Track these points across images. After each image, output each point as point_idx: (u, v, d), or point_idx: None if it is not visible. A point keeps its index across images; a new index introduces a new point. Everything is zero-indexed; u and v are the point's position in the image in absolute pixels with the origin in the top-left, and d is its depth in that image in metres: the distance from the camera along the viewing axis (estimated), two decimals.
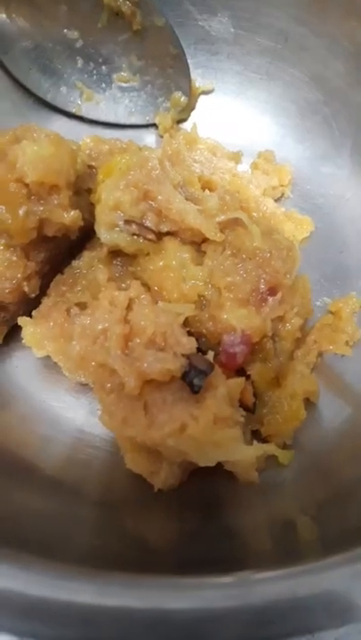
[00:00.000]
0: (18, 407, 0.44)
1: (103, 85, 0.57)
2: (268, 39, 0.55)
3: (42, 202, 0.40)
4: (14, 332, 0.47)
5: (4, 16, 0.49)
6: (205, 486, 0.41)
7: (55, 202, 0.40)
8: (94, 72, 0.56)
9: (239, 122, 0.59)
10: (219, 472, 0.39)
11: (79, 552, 0.32)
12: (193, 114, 0.60)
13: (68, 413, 0.45)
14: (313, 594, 0.24)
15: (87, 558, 0.31)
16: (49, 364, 0.46)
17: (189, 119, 0.60)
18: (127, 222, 0.43)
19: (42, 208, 0.40)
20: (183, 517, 0.39)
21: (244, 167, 0.57)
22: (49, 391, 0.46)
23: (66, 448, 0.44)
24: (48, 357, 0.44)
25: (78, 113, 0.57)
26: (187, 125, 0.60)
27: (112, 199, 0.42)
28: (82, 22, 0.53)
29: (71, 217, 0.41)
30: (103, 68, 0.56)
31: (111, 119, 0.58)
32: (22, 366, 0.46)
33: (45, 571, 0.21)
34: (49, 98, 0.56)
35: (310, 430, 0.44)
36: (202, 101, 0.60)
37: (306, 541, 0.36)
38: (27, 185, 0.40)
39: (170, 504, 0.39)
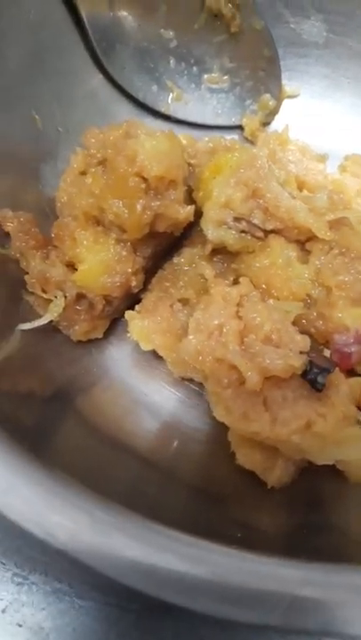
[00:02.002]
0: (119, 396, 0.45)
1: (193, 86, 0.57)
2: (360, 43, 0.56)
3: (159, 197, 0.41)
4: (110, 325, 0.48)
5: (111, 15, 0.50)
6: (312, 483, 0.40)
7: (172, 197, 0.41)
8: (185, 72, 0.57)
9: (325, 125, 0.59)
10: (325, 470, 0.39)
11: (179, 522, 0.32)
12: (277, 116, 0.60)
13: (165, 404, 0.46)
14: None
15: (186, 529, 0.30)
16: (146, 357, 0.46)
17: (273, 121, 0.61)
18: (236, 220, 0.43)
19: (158, 203, 0.40)
20: (291, 513, 0.39)
21: (328, 170, 0.57)
22: (147, 383, 0.46)
23: (160, 435, 0.44)
24: (141, 350, 0.44)
25: (167, 112, 0.57)
26: (271, 128, 0.60)
27: (224, 196, 0.42)
28: (179, 23, 0.54)
29: (186, 212, 0.41)
30: (194, 68, 0.57)
31: (198, 120, 0.58)
32: (120, 359, 0.47)
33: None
34: (140, 96, 0.56)
35: None
36: (287, 104, 0.60)
37: None
38: (145, 179, 0.40)
39: (278, 499, 0.39)
